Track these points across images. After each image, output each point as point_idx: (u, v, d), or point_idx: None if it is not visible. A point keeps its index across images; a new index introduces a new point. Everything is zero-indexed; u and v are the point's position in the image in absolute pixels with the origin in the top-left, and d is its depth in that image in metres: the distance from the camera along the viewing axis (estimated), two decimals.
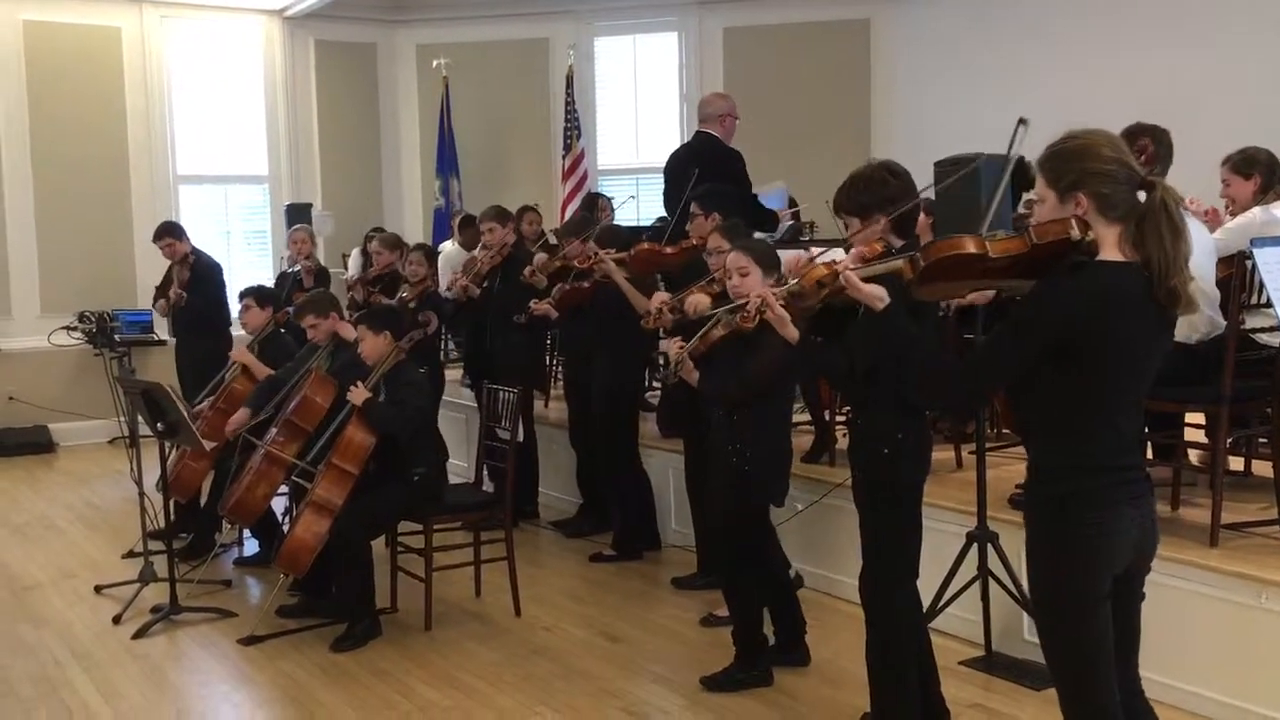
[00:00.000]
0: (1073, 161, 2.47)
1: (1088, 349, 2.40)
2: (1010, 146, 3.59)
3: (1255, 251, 3.84)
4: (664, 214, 6.76)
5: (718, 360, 4.02)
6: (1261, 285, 3.90)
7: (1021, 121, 3.58)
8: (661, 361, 4.00)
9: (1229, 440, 4.24)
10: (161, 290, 7.99)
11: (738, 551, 4.23)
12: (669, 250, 5.62)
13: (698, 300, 4.36)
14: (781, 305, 3.25)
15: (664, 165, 6.63)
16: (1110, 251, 2.44)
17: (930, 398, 3.08)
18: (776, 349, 3.58)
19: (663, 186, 6.58)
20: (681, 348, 3.89)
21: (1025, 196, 4.37)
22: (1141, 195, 2.45)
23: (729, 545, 4.23)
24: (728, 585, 4.32)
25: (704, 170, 6.01)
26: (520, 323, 6.32)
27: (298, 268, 7.96)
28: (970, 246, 2.49)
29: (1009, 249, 2.47)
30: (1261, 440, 4.76)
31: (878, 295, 2.68)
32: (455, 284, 6.90)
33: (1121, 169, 2.46)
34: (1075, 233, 2.42)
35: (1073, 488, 2.46)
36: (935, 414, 5.45)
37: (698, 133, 6.65)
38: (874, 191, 3.35)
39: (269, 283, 7.99)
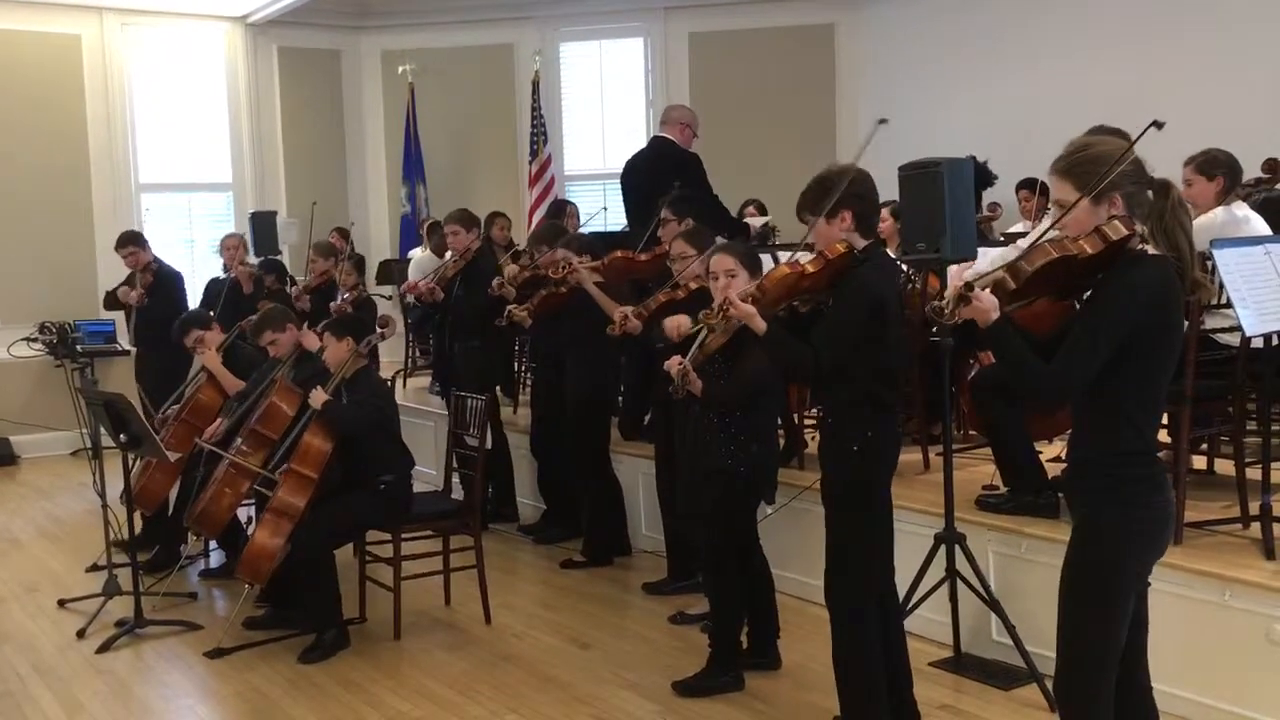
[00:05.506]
0: (1102, 165, 2.59)
1: (1155, 337, 2.54)
2: (863, 148, 3.58)
3: (1215, 253, 3.87)
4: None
5: (712, 366, 4.05)
6: (1221, 286, 3.93)
7: (881, 121, 3.68)
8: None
9: (1190, 439, 4.28)
10: (113, 293, 7.93)
11: (730, 552, 4.24)
12: (642, 258, 5.62)
13: (679, 321, 4.35)
14: (750, 302, 3.29)
15: (621, 173, 6.66)
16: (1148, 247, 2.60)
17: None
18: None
19: (622, 194, 6.59)
20: (681, 363, 3.88)
21: (987, 200, 4.39)
22: (1149, 194, 2.61)
23: (722, 546, 4.23)
24: (717, 587, 4.31)
25: (664, 174, 6.01)
26: (499, 326, 6.28)
27: (232, 274, 8.01)
28: (1068, 249, 2.58)
29: (1091, 247, 2.56)
30: (1223, 439, 4.81)
31: (989, 308, 2.59)
32: (414, 289, 6.86)
33: (1140, 170, 2.62)
34: (1137, 228, 2.54)
35: (1135, 473, 2.59)
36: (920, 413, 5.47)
37: (656, 137, 6.67)
38: (838, 191, 3.34)
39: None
